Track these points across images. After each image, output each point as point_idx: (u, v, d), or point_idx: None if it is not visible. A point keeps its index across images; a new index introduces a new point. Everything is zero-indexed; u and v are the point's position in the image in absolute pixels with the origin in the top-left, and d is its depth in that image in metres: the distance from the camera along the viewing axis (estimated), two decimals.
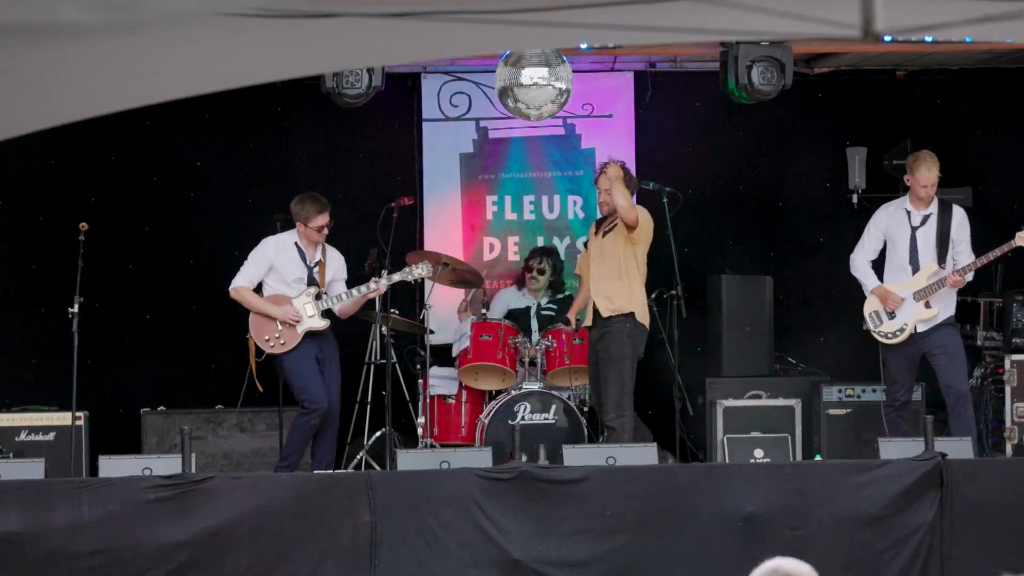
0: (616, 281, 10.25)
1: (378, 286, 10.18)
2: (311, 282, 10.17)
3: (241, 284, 10.15)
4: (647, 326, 10.31)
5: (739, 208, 12.33)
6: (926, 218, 10.22)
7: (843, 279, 10.63)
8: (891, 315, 10.19)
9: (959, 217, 10.24)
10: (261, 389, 10.23)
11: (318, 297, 10.14)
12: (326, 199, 10.26)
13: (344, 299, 10.20)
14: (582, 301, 10.66)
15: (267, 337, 10.07)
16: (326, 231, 10.20)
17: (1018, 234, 9.99)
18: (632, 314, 10.22)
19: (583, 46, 10.04)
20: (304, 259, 10.20)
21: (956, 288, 10.20)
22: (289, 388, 10.23)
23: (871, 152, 11.46)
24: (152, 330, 11.88)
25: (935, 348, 10.13)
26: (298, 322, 10.06)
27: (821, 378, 11.27)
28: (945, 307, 10.17)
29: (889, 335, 10.20)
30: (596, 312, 10.30)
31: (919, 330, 10.14)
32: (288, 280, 10.16)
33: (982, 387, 11.14)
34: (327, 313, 10.19)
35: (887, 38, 3.30)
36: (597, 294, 10.30)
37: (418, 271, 10.28)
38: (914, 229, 10.21)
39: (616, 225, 10.26)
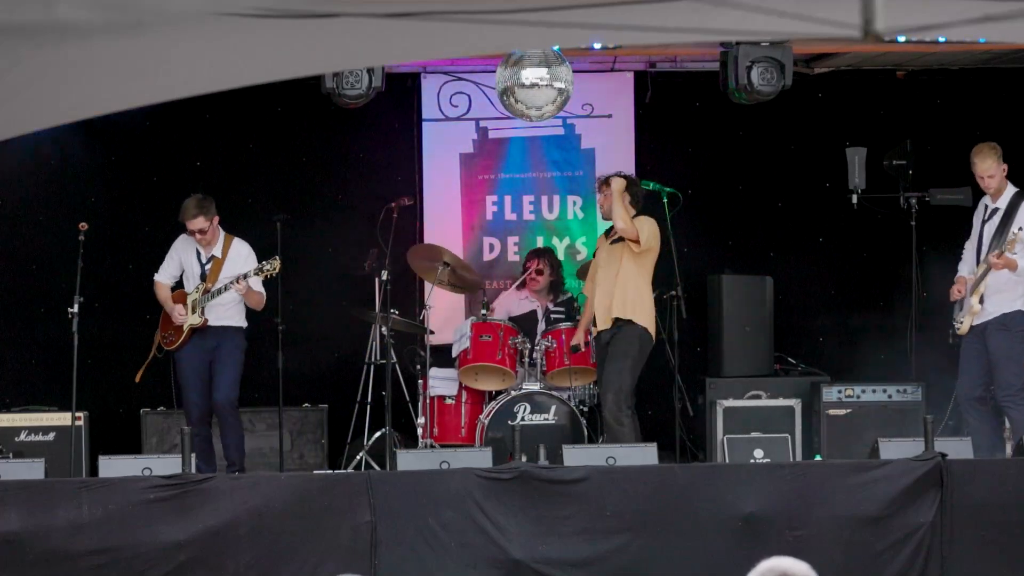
0: (619, 288, 10.29)
1: (240, 285, 10.01)
2: (203, 278, 10.28)
3: (157, 279, 10.45)
4: (652, 336, 10.35)
5: (739, 208, 12.32)
6: (993, 212, 10.17)
7: (843, 279, 10.62)
8: (961, 306, 10.20)
9: None
10: (137, 380, 10.52)
11: (206, 292, 10.23)
12: (207, 202, 10.18)
13: (215, 296, 10.20)
14: (589, 316, 10.65)
15: (164, 334, 10.39)
16: (198, 236, 10.20)
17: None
18: (634, 321, 10.28)
19: (596, 46, 10.01)
20: (199, 256, 10.30)
21: (1001, 270, 9.94)
22: None
23: (871, 152, 11.44)
24: (152, 330, 11.86)
25: (989, 349, 10.10)
26: (183, 319, 10.25)
27: (821, 378, 11.27)
28: (997, 303, 10.04)
29: (958, 324, 10.19)
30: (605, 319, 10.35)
31: (975, 323, 10.12)
32: (190, 276, 10.36)
33: None
34: (230, 310, 10.20)
35: (887, 38, 3.30)
36: (601, 301, 10.33)
37: (269, 267, 10.04)
38: (984, 222, 10.19)
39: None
